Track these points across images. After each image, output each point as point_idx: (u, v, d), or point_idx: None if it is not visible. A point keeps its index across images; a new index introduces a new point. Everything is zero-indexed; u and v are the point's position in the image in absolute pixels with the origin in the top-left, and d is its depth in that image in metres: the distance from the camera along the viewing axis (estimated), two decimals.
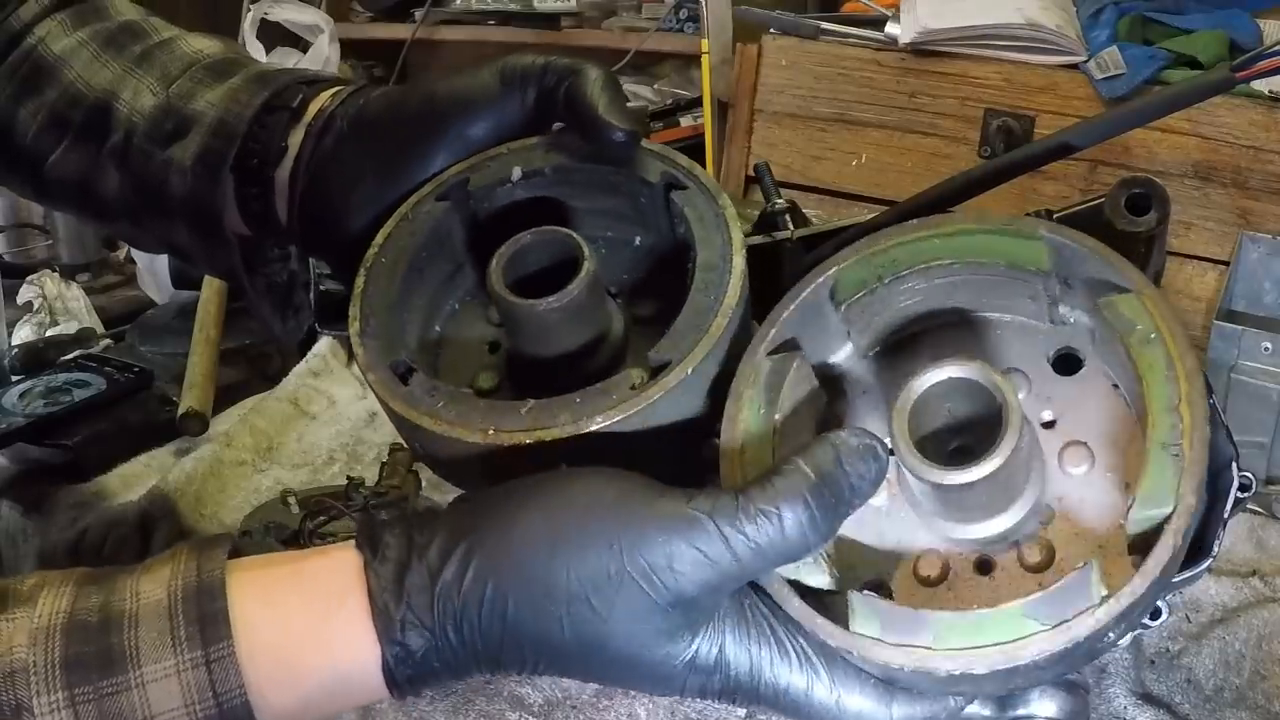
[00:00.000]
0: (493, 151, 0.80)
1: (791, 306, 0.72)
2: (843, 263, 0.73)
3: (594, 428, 0.66)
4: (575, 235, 0.72)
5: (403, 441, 0.80)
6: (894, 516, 0.69)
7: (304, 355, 1.58)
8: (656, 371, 0.68)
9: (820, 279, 0.73)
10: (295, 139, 0.83)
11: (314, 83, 0.87)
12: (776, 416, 0.68)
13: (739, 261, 0.72)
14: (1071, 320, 0.72)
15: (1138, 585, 0.60)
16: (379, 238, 0.77)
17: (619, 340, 0.75)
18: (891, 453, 0.63)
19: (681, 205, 0.75)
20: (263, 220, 0.86)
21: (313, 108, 0.84)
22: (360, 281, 0.74)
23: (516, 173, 0.78)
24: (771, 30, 2.03)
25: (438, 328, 0.79)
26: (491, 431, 0.67)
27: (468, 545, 0.61)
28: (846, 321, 0.74)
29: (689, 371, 0.67)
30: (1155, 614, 0.93)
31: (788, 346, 0.71)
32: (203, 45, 0.92)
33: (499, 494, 0.64)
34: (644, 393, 0.67)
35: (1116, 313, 0.67)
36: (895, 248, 0.73)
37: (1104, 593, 0.61)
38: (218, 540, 0.65)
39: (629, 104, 0.78)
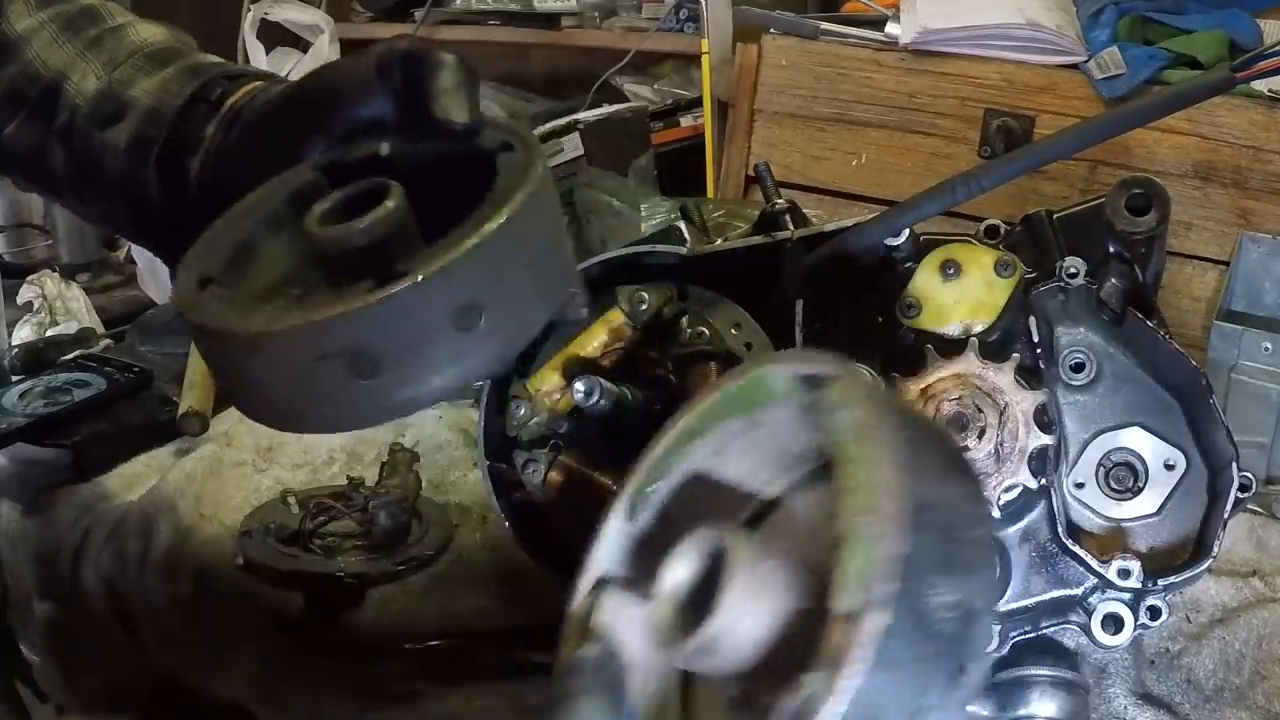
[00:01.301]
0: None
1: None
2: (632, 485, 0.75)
3: (322, 318, 0.65)
4: (388, 181, 0.72)
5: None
6: None
7: None
8: (394, 279, 0.67)
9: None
10: (209, 130, 0.88)
11: (239, 77, 0.91)
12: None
13: (519, 198, 0.70)
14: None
15: None
16: (247, 200, 0.79)
17: None
18: None
19: (504, 163, 0.75)
20: (181, 204, 0.90)
21: (229, 101, 0.89)
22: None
23: (384, 148, 0.80)
24: (771, 30, 2.03)
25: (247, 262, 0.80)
26: (235, 319, 0.68)
27: None
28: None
29: (419, 279, 0.66)
30: (1155, 614, 0.93)
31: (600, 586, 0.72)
32: (149, 34, 0.96)
33: None
34: (375, 293, 0.66)
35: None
36: (665, 450, 0.74)
37: None
38: None
39: (478, 101, 0.80)
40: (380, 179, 0.74)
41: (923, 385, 0.95)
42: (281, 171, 0.82)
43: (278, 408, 0.73)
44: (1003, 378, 0.94)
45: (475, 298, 0.69)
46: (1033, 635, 0.98)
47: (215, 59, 0.93)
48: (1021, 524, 0.97)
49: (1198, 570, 0.93)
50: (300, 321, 0.67)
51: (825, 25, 2.00)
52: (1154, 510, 0.97)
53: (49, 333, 1.70)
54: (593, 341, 0.99)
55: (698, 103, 2.38)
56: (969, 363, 0.94)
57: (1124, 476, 0.97)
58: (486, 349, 0.71)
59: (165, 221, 0.91)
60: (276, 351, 0.68)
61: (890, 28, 1.92)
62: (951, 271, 0.99)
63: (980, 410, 0.93)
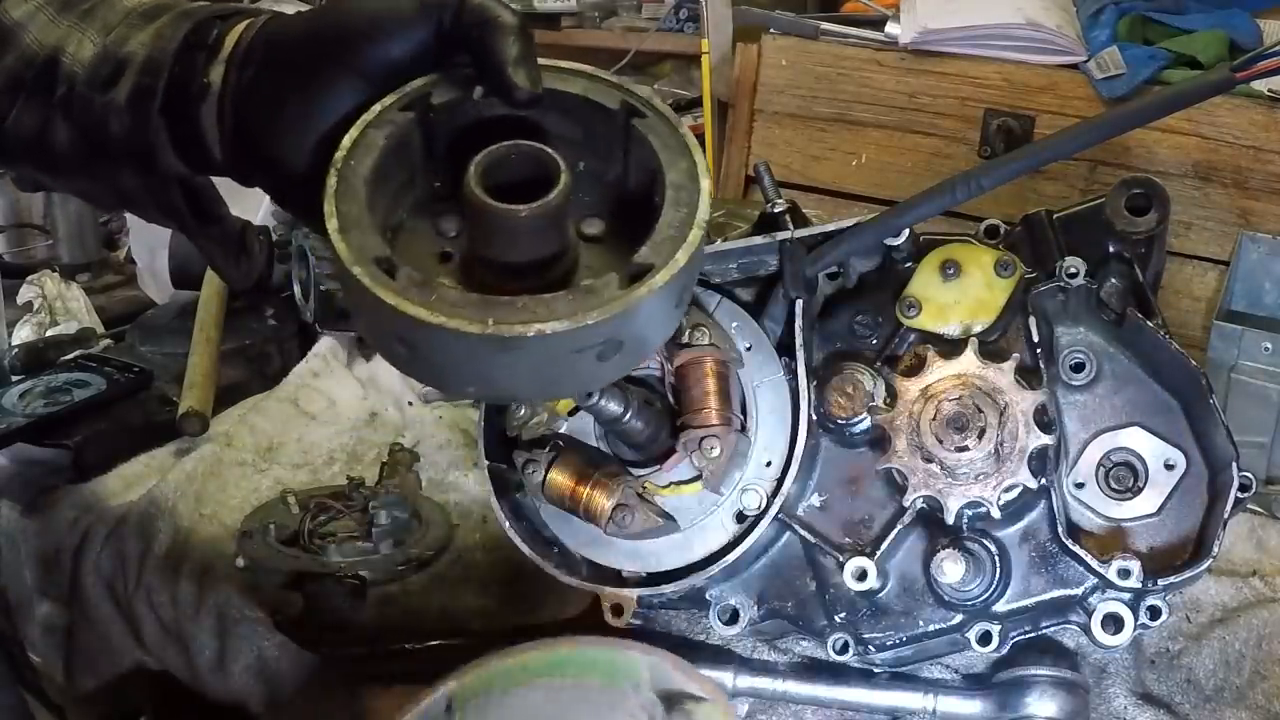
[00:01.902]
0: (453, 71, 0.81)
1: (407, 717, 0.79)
2: (462, 678, 0.80)
3: (590, 321, 0.68)
4: (551, 151, 0.74)
5: (378, 347, 0.80)
6: None
7: (303, 354, 1.58)
8: (638, 275, 0.70)
9: (439, 693, 0.80)
10: (216, 74, 0.85)
11: (231, 16, 0.88)
12: None
13: (706, 183, 0.75)
14: None
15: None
16: (345, 141, 0.77)
17: (574, 256, 0.77)
18: None
19: (644, 132, 0.78)
20: (197, 157, 0.88)
21: (229, 41, 0.86)
22: (332, 181, 0.75)
23: (478, 91, 0.80)
24: (771, 30, 2.03)
25: (389, 237, 0.80)
26: (491, 323, 0.67)
27: None
28: None
29: (673, 274, 0.71)
30: (1155, 614, 0.93)
31: None
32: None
33: None
34: (634, 292, 0.69)
35: None
36: (505, 666, 0.79)
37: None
38: None
39: (539, 60, 0.80)
40: (537, 147, 0.74)
41: (923, 385, 0.95)
42: (313, 107, 0.80)
43: (504, 392, 0.78)
44: (1003, 378, 0.94)
45: (691, 276, 0.75)
46: (1033, 635, 0.98)
47: (205, 3, 0.90)
48: (1021, 524, 0.97)
49: (1198, 570, 0.93)
50: (570, 325, 0.68)
51: (825, 25, 2.00)
52: (1154, 510, 0.97)
53: (49, 333, 1.70)
54: None
55: (698, 103, 2.38)
56: (969, 363, 0.94)
57: (1124, 476, 0.97)
58: (682, 313, 0.78)
59: (179, 185, 0.89)
60: (537, 350, 0.69)
61: (890, 28, 1.92)
62: (951, 271, 0.99)
63: (980, 410, 0.93)
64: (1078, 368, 0.99)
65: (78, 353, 1.59)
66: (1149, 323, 0.96)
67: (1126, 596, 0.93)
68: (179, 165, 0.87)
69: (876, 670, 0.99)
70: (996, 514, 0.93)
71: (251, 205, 1.55)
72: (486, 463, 1.01)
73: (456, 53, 0.80)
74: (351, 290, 0.71)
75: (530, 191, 0.72)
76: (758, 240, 1.01)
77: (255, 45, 0.84)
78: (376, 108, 0.78)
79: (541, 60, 0.79)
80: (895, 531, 0.96)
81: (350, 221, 0.73)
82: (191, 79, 0.85)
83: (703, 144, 2.28)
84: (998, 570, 0.95)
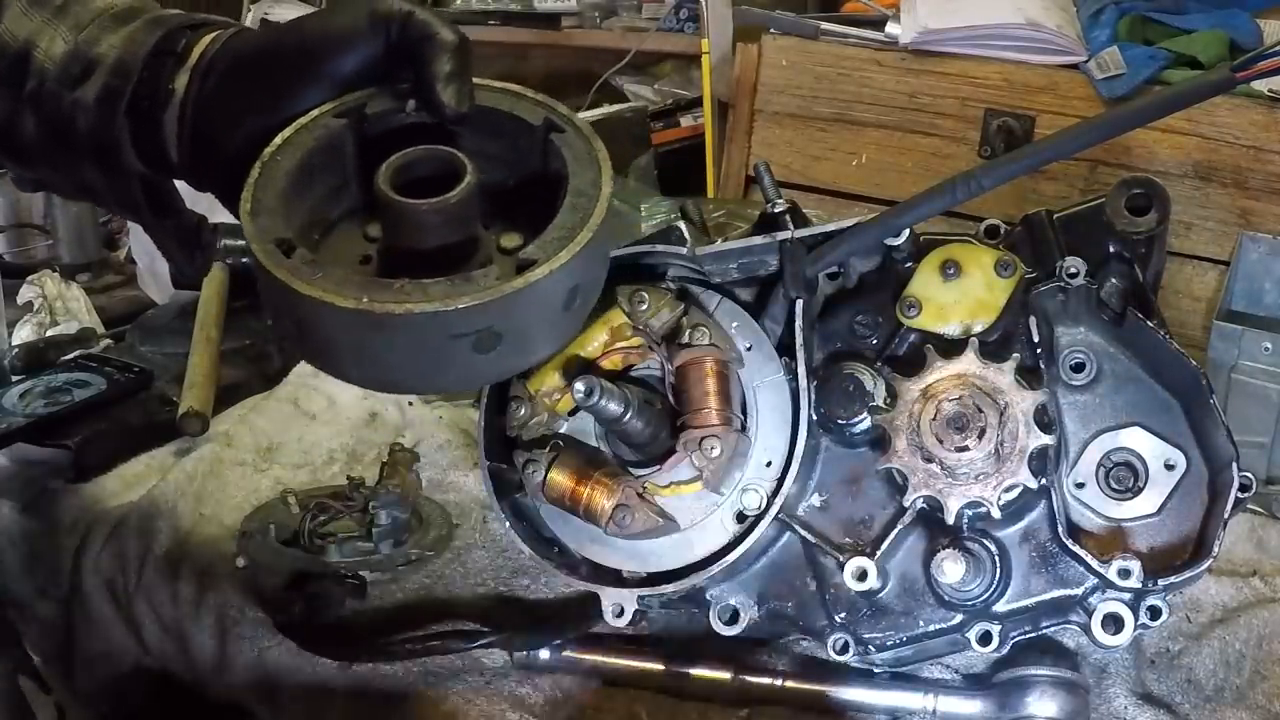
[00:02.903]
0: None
1: None
2: None
3: (460, 306, 0.72)
4: (458, 153, 0.80)
5: (275, 328, 0.85)
6: None
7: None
8: (522, 268, 0.75)
9: None
10: (181, 82, 0.89)
11: (200, 25, 0.92)
12: None
13: (606, 190, 0.80)
14: None
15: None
16: (277, 140, 0.83)
17: (483, 259, 0.81)
18: None
19: (559, 145, 0.84)
20: (157, 159, 0.91)
21: (195, 51, 0.89)
22: (256, 171, 0.81)
23: (411, 104, 0.85)
24: (771, 30, 2.03)
25: (317, 236, 0.84)
26: (365, 300, 0.72)
27: None
28: None
29: (552, 270, 0.75)
30: (1155, 614, 0.93)
31: None
32: None
33: None
34: (509, 282, 0.74)
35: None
36: None
37: None
38: None
39: (475, 79, 0.86)
40: (446, 151, 0.80)
41: (923, 385, 0.95)
42: (270, 119, 0.84)
43: (383, 376, 0.79)
44: (1003, 378, 0.94)
45: (582, 279, 0.79)
46: (1033, 635, 0.98)
47: (177, 12, 0.94)
48: (1022, 524, 0.97)
49: (1198, 570, 0.93)
50: (441, 306, 0.72)
51: (825, 25, 2.00)
52: (1154, 510, 0.97)
53: (49, 333, 1.70)
54: (593, 341, 0.99)
55: (698, 103, 2.38)
56: (969, 363, 0.94)
57: (1124, 476, 0.97)
58: (577, 321, 0.83)
59: (139, 181, 0.92)
60: (409, 330, 0.73)
61: (890, 28, 1.92)
62: (951, 271, 0.99)
63: (980, 410, 0.93)
64: (1078, 368, 0.99)
65: (78, 353, 1.59)
66: (1149, 323, 0.96)
67: (1126, 596, 0.93)
68: (139, 164, 0.91)
69: (876, 670, 0.99)
70: (997, 514, 0.93)
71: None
72: (486, 463, 1.01)
73: (403, 67, 0.85)
74: (256, 270, 0.76)
75: (439, 191, 0.77)
76: (758, 240, 1.01)
77: (219, 56, 0.88)
78: (314, 113, 0.84)
79: (476, 79, 0.85)
80: (895, 531, 0.96)
81: (262, 207, 0.79)
82: (158, 84, 0.88)
83: (703, 144, 2.28)
84: (998, 570, 0.95)
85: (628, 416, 0.94)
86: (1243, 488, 0.93)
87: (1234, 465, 0.93)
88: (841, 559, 0.96)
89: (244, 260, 1.48)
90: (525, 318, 0.76)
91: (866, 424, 0.98)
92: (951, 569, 0.93)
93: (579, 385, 0.90)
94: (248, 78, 0.87)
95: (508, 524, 1.00)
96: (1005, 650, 0.96)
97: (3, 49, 0.94)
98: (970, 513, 0.94)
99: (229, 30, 0.91)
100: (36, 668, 1.26)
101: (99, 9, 0.94)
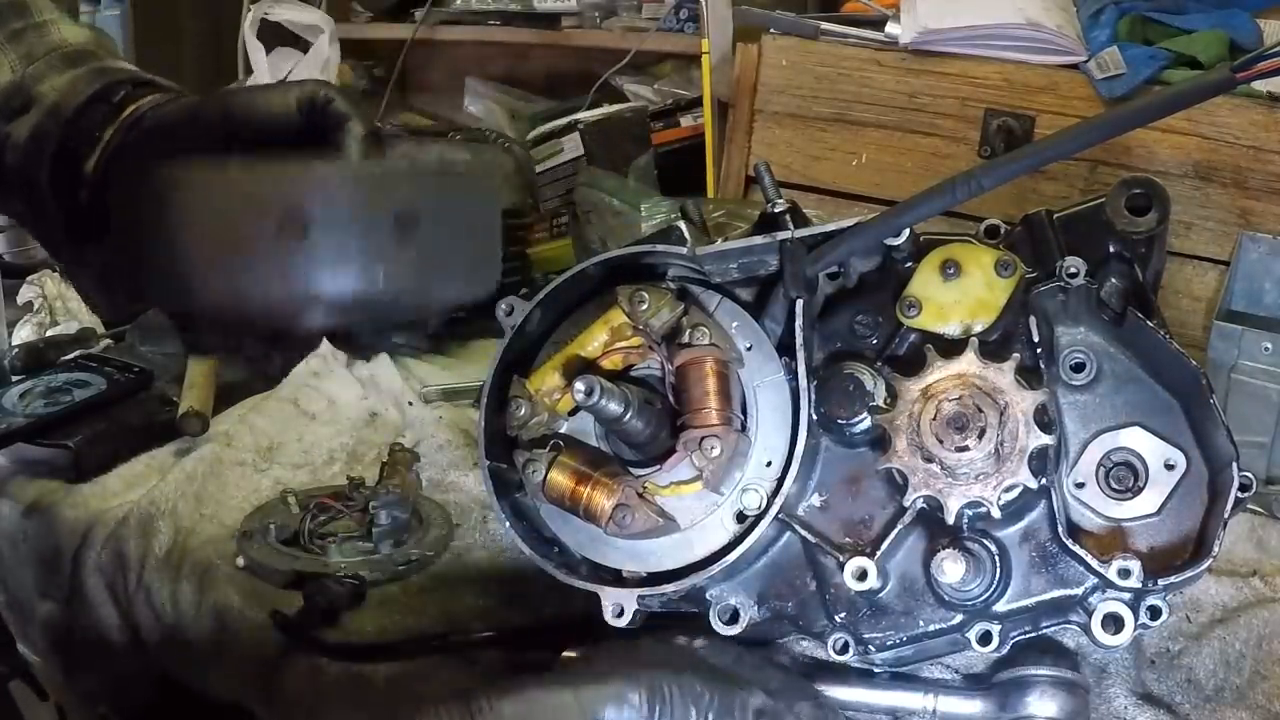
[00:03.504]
0: None
1: None
2: None
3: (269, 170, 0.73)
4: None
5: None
6: None
7: (303, 354, 1.58)
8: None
9: None
10: (108, 133, 0.90)
11: (145, 85, 0.93)
12: None
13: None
14: None
15: None
16: None
17: None
18: None
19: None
20: (71, 204, 0.91)
21: (130, 106, 0.90)
22: None
23: None
24: (771, 30, 2.03)
25: None
26: None
27: None
28: None
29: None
30: (1155, 614, 0.93)
31: None
32: (71, 34, 0.97)
33: None
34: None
35: None
36: None
37: None
38: None
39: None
40: None
41: (923, 385, 0.95)
42: (173, 173, 0.82)
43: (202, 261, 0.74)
44: (1003, 378, 0.94)
45: (412, 206, 0.74)
46: (1033, 635, 0.98)
47: (129, 66, 0.95)
48: (1022, 524, 0.97)
49: (1198, 570, 0.93)
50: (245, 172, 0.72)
51: (825, 25, 2.00)
52: (1154, 510, 0.97)
53: (49, 333, 1.70)
54: (593, 341, 0.99)
55: (698, 103, 2.38)
56: (969, 363, 0.94)
57: (1124, 476, 0.97)
58: (414, 271, 0.76)
59: (59, 223, 0.92)
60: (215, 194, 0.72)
61: (890, 28, 1.92)
62: (951, 271, 0.99)
63: (980, 410, 0.93)
64: (1078, 368, 0.99)
65: (78, 353, 1.59)
66: (1149, 323, 0.96)
67: (1127, 596, 0.93)
68: (56, 207, 0.91)
69: (876, 670, 0.99)
70: (997, 514, 0.93)
71: None
72: (486, 463, 1.01)
73: (314, 143, 0.87)
74: None
75: None
76: (758, 240, 1.01)
77: (149, 113, 0.90)
78: None
79: None
80: (895, 531, 0.96)
81: None
82: (88, 130, 0.89)
83: (703, 144, 2.28)
84: (998, 570, 0.95)
85: (628, 416, 0.94)
86: (1243, 488, 0.93)
87: (1234, 465, 0.93)
88: (841, 559, 0.96)
89: None
90: (335, 209, 0.74)
91: (866, 424, 0.98)
92: (951, 569, 0.93)
93: (579, 385, 0.90)
94: (166, 136, 0.88)
95: (508, 524, 1.00)
96: (1005, 650, 0.96)
97: None
98: (970, 513, 0.94)
99: (172, 95, 0.93)
100: (33, 673, 1.25)
101: (53, 44, 0.95)
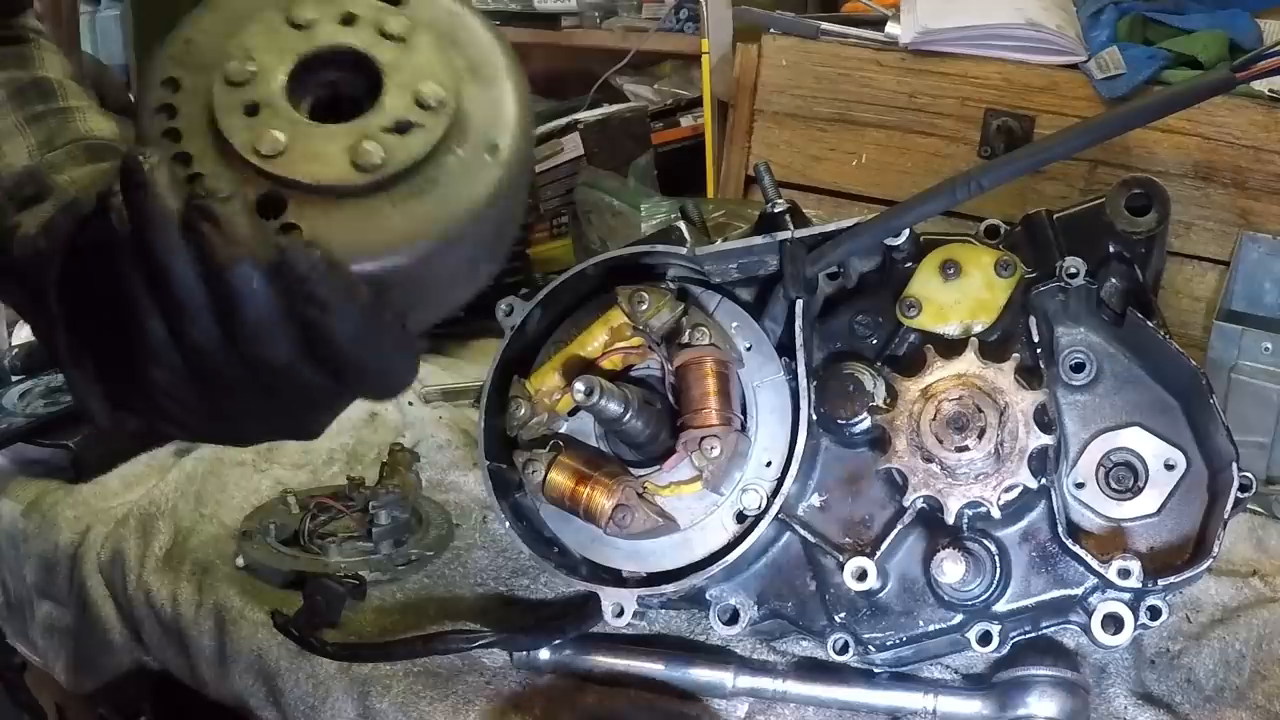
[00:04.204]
0: None
1: None
2: None
3: None
4: None
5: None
6: None
7: None
8: None
9: None
10: None
11: None
12: None
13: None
14: None
15: None
16: None
17: None
18: None
19: None
20: (78, 307, 0.81)
21: None
22: None
23: None
24: (771, 30, 2.03)
25: None
26: None
27: None
28: None
29: None
30: (1155, 614, 0.93)
31: None
32: (97, 125, 0.92)
33: None
34: None
35: None
36: None
37: None
38: None
39: None
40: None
41: (923, 385, 0.95)
42: None
43: None
44: (1003, 378, 0.94)
45: None
46: (1033, 635, 0.98)
47: None
48: (1021, 524, 0.97)
49: (1198, 570, 0.93)
50: None
51: (825, 25, 2.00)
52: (1154, 510, 0.97)
53: None
54: (593, 341, 0.99)
55: (698, 103, 2.38)
56: (969, 363, 0.94)
57: (1124, 476, 0.97)
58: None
59: (61, 323, 0.82)
60: None
61: (890, 28, 1.92)
62: (951, 271, 0.99)
63: (980, 410, 0.93)
64: (1078, 368, 0.99)
65: None
66: (1149, 323, 0.96)
67: (1126, 597, 0.93)
68: (59, 307, 0.82)
69: (876, 670, 0.99)
70: (996, 514, 0.93)
71: None
72: (486, 463, 1.01)
73: None
74: None
75: None
76: (758, 240, 1.01)
77: None
78: None
79: None
80: (895, 531, 0.96)
81: None
82: (107, 235, 0.82)
83: (703, 144, 2.28)
84: (998, 570, 0.95)
85: (628, 416, 0.94)
86: (1243, 488, 0.93)
87: (1234, 465, 0.93)
88: (841, 559, 0.96)
89: None
90: None
91: (866, 424, 0.98)
92: (951, 569, 0.93)
93: (579, 385, 0.90)
94: None
95: (508, 524, 1.00)
96: (1005, 650, 0.96)
97: None
98: (970, 513, 0.94)
99: None
100: (18, 675, 1.25)
101: (77, 133, 0.90)
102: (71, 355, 0.87)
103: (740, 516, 0.97)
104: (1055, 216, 1.01)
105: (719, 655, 1.03)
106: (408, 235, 0.62)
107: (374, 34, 0.66)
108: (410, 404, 1.54)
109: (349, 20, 0.67)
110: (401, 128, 0.63)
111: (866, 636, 0.98)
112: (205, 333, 0.66)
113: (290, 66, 0.65)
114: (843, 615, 0.98)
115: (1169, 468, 0.96)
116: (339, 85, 0.67)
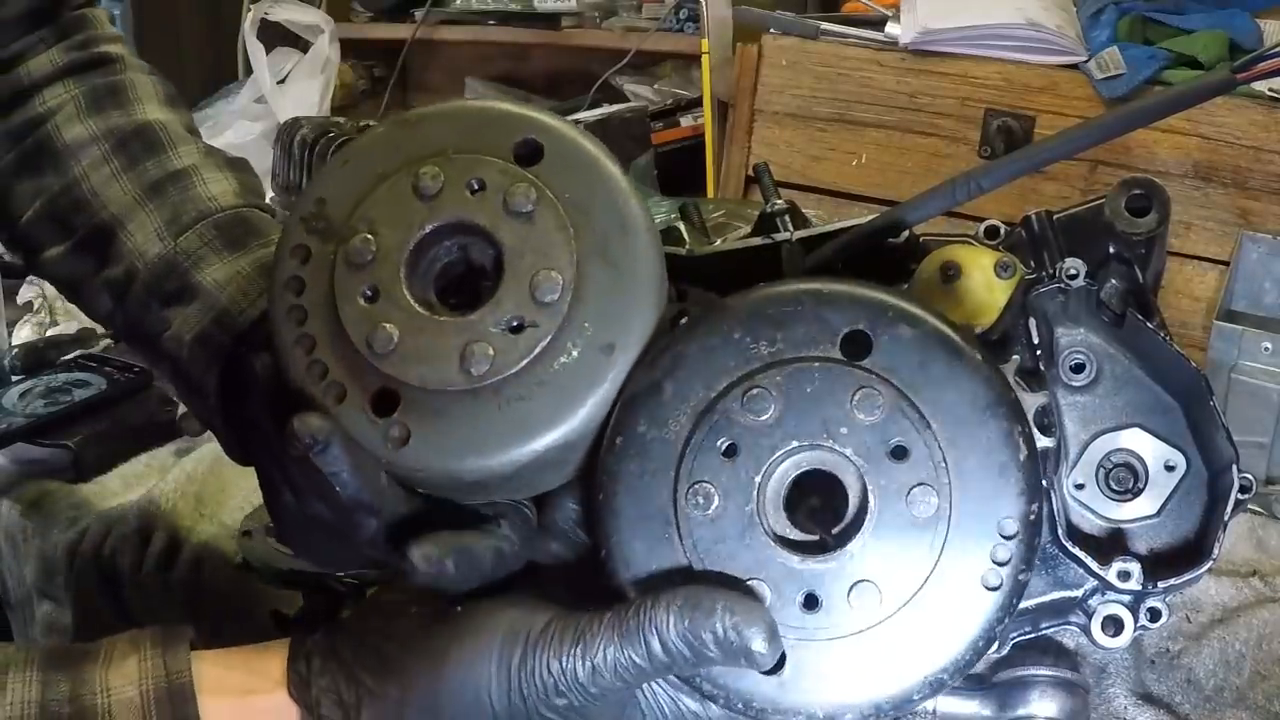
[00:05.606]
0: None
1: None
2: None
3: None
4: None
5: None
6: None
7: None
8: None
9: None
10: None
11: None
12: None
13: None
14: None
15: None
16: None
17: None
18: None
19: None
20: (244, 416, 0.82)
21: None
22: None
23: None
24: (771, 30, 2.03)
25: None
26: None
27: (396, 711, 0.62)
28: None
29: None
30: (1155, 615, 0.93)
31: None
32: (218, 190, 0.89)
33: (422, 650, 0.66)
34: None
35: None
36: None
37: None
38: (179, 634, 0.66)
39: None
40: None
41: None
42: None
43: None
44: None
45: None
46: (1033, 636, 0.98)
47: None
48: None
49: (1198, 572, 0.93)
50: None
51: (825, 25, 2.00)
52: (1154, 511, 0.96)
53: (49, 333, 1.70)
54: None
55: (698, 103, 2.38)
56: None
57: (1124, 477, 0.97)
58: None
59: (226, 427, 0.84)
60: None
61: (890, 28, 1.92)
62: (951, 273, 0.98)
63: None
64: (1078, 369, 0.99)
65: (78, 353, 1.59)
66: (1149, 324, 0.96)
67: (1126, 599, 0.93)
68: (221, 401, 0.83)
69: None
70: None
71: None
72: None
73: None
74: None
75: None
76: (757, 241, 1.01)
77: None
78: None
79: None
80: None
81: None
82: (260, 340, 0.78)
83: (703, 145, 2.29)
84: None
85: None
86: (1243, 489, 0.93)
87: (1234, 467, 0.93)
88: None
89: None
90: None
91: None
92: None
93: None
94: None
95: None
96: (1005, 650, 0.96)
97: (82, 205, 0.87)
98: None
99: None
100: None
101: (201, 207, 0.86)
102: (227, 447, 0.87)
103: None
104: (1055, 217, 1.01)
105: None
106: (507, 442, 0.62)
107: (499, 209, 0.64)
108: None
109: (477, 187, 0.65)
110: (515, 326, 0.63)
111: None
112: (311, 506, 0.71)
113: (412, 244, 0.65)
114: None
115: (1169, 469, 0.96)
116: (470, 250, 0.66)
